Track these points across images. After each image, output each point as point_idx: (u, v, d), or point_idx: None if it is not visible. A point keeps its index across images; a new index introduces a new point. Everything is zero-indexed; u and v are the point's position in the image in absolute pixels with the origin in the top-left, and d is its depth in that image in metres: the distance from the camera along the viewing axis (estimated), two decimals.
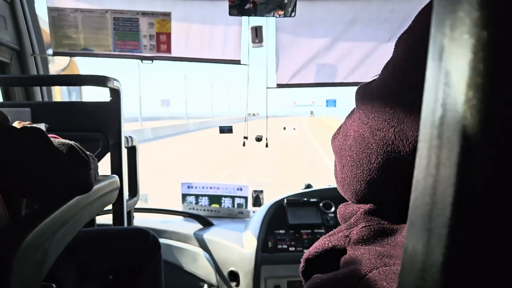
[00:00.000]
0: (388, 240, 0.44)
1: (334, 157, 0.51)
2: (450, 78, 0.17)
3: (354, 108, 0.48)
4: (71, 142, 0.83)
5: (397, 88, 0.39)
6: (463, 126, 0.17)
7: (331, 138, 0.53)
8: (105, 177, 1.04)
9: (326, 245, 0.49)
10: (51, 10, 1.81)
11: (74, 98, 2.59)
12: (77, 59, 2.26)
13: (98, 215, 1.71)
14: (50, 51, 1.87)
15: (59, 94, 2.24)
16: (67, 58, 2.20)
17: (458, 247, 0.18)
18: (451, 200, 0.17)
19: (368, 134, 0.42)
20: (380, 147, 0.41)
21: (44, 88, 1.83)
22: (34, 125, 0.86)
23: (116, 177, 1.08)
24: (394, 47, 0.41)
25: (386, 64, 0.42)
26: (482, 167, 0.16)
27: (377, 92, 0.42)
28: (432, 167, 0.20)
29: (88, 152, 0.86)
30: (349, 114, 0.50)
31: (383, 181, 0.43)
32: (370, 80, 0.46)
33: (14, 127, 0.77)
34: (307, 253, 0.51)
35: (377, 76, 0.44)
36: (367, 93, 0.44)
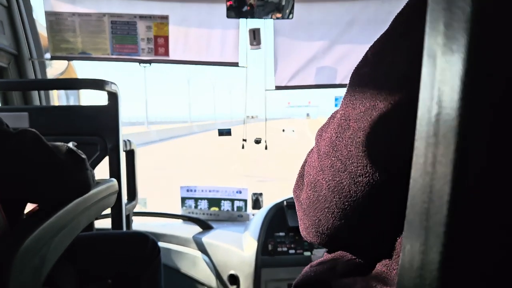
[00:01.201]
0: (373, 273, 0.43)
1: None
2: (445, 75, 0.17)
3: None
4: (66, 144, 0.83)
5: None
6: (459, 123, 0.16)
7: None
8: (103, 181, 1.04)
9: (311, 276, 0.48)
10: (48, 14, 1.81)
11: (72, 102, 2.59)
12: (77, 63, 2.26)
13: (96, 219, 1.71)
14: (48, 55, 1.87)
15: (57, 98, 2.24)
16: (65, 62, 2.20)
17: (456, 245, 0.18)
18: (448, 197, 0.17)
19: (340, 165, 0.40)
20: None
21: (42, 92, 1.83)
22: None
23: (115, 181, 1.08)
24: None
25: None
26: (478, 164, 0.16)
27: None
28: (428, 165, 0.19)
29: (83, 155, 0.86)
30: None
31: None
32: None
33: (10, 131, 0.76)
34: (296, 280, 0.51)
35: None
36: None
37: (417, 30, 0.33)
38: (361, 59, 0.40)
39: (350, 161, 0.37)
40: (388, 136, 0.35)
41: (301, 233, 0.50)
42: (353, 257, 0.45)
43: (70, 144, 0.88)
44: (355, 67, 0.40)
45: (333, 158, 0.39)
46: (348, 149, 0.37)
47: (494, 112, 0.16)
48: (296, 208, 0.50)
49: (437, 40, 0.18)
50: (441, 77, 0.17)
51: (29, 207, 0.88)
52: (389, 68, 0.35)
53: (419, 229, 0.21)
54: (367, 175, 0.36)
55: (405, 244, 0.23)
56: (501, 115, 0.16)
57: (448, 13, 0.17)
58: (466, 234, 0.18)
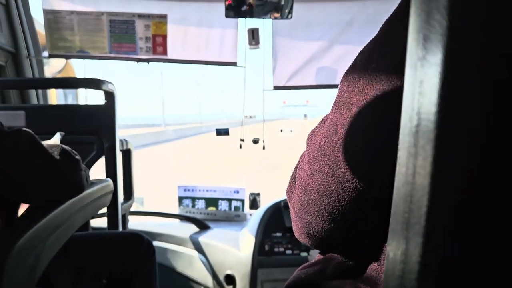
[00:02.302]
0: (362, 276, 0.43)
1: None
2: (424, 87, 0.17)
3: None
4: (60, 144, 0.83)
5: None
6: (436, 135, 0.17)
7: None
8: (99, 180, 1.04)
9: (301, 278, 0.49)
10: (46, 13, 1.81)
11: (70, 101, 2.59)
12: (77, 62, 2.26)
13: (92, 218, 1.71)
14: (45, 54, 1.87)
15: (55, 96, 2.24)
16: (63, 60, 2.19)
17: (433, 255, 0.18)
18: (426, 209, 0.17)
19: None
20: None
21: (40, 90, 1.82)
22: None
23: (110, 181, 1.08)
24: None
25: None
26: (454, 177, 0.17)
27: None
28: (409, 175, 0.20)
29: (77, 156, 0.86)
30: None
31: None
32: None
33: (5, 131, 0.76)
34: (287, 281, 0.51)
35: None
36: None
37: (402, 37, 0.33)
38: (350, 64, 0.40)
39: (338, 167, 0.37)
40: (373, 144, 0.35)
41: (294, 234, 0.50)
42: (344, 260, 0.45)
43: (58, 135, 0.88)
44: (345, 72, 0.40)
45: (321, 163, 0.39)
46: (336, 154, 0.37)
47: (470, 125, 0.16)
48: (290, 209, 0.50)
49: (417, 52, 0.18)
50: (420, 89, 0.18)
51: (24, 207, 0.88)
52: (376, 75, 0.35)
53: (400, 238, 0.21)
54: (354, 180, 0.37)
55: (389, 252, 0.23)
56: (477, 129, 0.16)
57: (427, 26, 0.17)
58: (444, 245, 0.18)
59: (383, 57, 0.35)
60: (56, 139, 1.02)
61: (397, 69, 0.33)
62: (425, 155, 0.17)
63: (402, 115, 0.21)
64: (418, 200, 0.18)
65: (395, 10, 0.36)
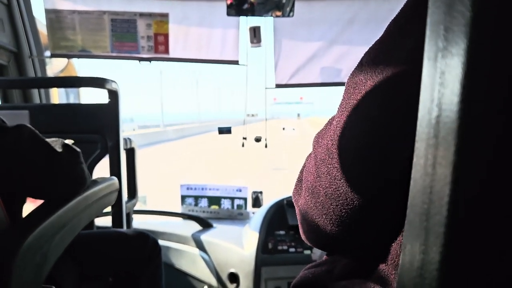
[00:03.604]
0: (370, 276, 0.43)
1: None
2: (445, 78, 0.17)
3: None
4: (61, 139, 0.83)
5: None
6: (458, 125, 0.17)
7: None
8: (104, 179, 1.04)
9: (309, 278, 0.49)
10: (48, 12, 1.81)
11: (72, 100, 2.59)
12: (80, 61, 2.26)
13: (97, 217, 1.71)
14: (47, 53, 1.87)
15: (57, 96, 2.24)
16: (65, 60, 2.19)
17: (455, 245, 0.18)
18: (448, 199, 0.17)
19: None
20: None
21: (42, 90, 1.82)
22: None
23: (115, 179, 1.08)
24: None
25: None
26: (477, 166, 0.17)
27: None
28: (428, 166, 0.20)
29: (78, 149, 0.87)
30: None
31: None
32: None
33: (7, 126, 0.77)
34: (294, 281, 0.51)
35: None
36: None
37: (410, 38, 0.33)
38: (356, 65, 0.40)
39: (346, 169, 0.37)
40: (381, 145, 0.35)
41: (301, 236, 0.50)
42: (351, 260, 0.45)
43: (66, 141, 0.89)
44: (350, 74, 0.40)
45: (329, 166, 0.39)
46: (343, 156, 0.37)
47: (494, 114, 0.16)
48: (296, 211, 0.50)
49: (437, 43, 0.18)
50: (441, 80, 0.18)
51: (29, 206, 0.88)
52: (383, 76, 0.35)
53: (419, 229, 0.21)
54: (362, 182, 0.37)
55: (405, 244, 0.23)
56: (500, 118, 0.16)
57: (448, 17, 0.17)
58: (466, 235, 0.18)
59: (389, 58, 0.35)
60: None
61: (405, 70, 0.33)
62: (447, 145, 0.17)
63: (420, 107, 0.21)
64: (439, 191, 0.18)
65: (401, 10, 0.36)
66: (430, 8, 0.20)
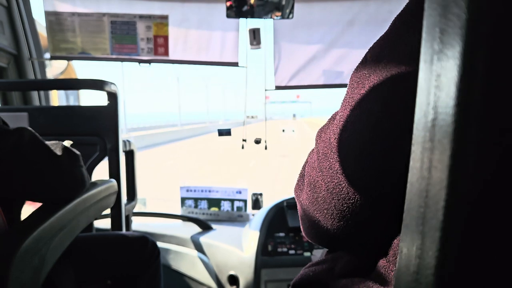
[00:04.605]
0: (370, 274, 0.42)
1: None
2: (441, 81, 0.17)
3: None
4: (60, 142, 0.83)
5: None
6: (454, 129, 0.16)
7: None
8: (103, 181, 1.04)
9: (309, 276, 0.48)
10: (48, 14, 1.81)
11: (72, 102, 2.59)
12: (86, 63, 2.26)
13: (96, 219, 1.71)
14: (47, 55, 1.87)
15: (57, 98, 2.24)
16: (64, 62, 2.20)
17: (451, 250, 0.18)
18: (443, 203, 0.17)
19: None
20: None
21: (42, 92, 1.83)
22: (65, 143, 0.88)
23: (114, 181, 1.08)
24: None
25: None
26: (473, 170, 0.16)
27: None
28: (424, 170, 0.19)
29: (77, 152, 0.87)
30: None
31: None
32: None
33: (8, 129, 0.77)
34: (294, 279, 0.51)
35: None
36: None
37: (415, 33, 0.33)
38: (360, 60, 0.40)
39: (348, 164, 0.37)
40: (383, 140, 0.35)
41: (302, 232, 0.50)
42: (352, 258, 0.45)
43: (65, 143, 0.89)
44: (354, 69, 0.40)
45: (331, 160, 0.39)
46: (346, 151, 0.37)
47: (489, 118, 0.16)
48: (297, 208, 0.50)
49: (433, 46, 0.18)
50: (437, 83, 0.17)
51: (28, 208, 0.88)
52: (387, 71, 0.35)
53: (415, 233, 0.21)
54: (364, 177, 0.36)
55: (402, 248, 0.23)
56: (496, 121, 0.16)
57: (444, 19, 0.17)
58: (462, 240, 0.18)
59: (394, 53, 0.35)
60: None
61: (409, 65, 0.33)
62: (442, 149, 0.17)
63: (416, 110, 0.21)
64: (435, 195, 0.18)
65: (406, 5, 0.35)
66: (426, 10, 0.19)
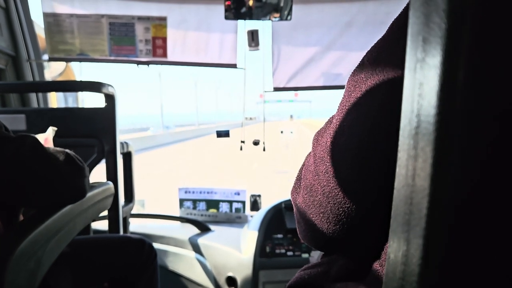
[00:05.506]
0: (365, 278, 0.42)
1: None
2: (423, 89, 0.17)
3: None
4: (66, 150, 0.82)
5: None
6: (435, 137, 0.16)
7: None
8: (100, 183, 1.04)
9: (305, 279, 0.48)
10: (46, 16, 1.81)
11: (70, 104, 2.59)
12: (88, 66, 2.26)
13: (93, 221, 1.71)
14: (45, 57, 1.87)
15: (55, 99, 2.24)
16: (63, 63, 2.20)
17: (434, 257, 0.18)
18: (426, 211, 0.17)
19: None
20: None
21: (40, 94, 1.82)
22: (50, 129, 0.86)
23: (111, 184, 1.08)
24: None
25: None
26: (454, 178, 0.16)
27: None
28: (409, 177, 0.20)
29: (82, 162, 0.86)
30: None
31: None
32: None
33: (10, 136, 0.76)
34: (290, 281, 0.51)
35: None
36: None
37: None
38: (357, 64, 0.40)
39: (344, 168, 0.37)
40: (379, 144, 0.35)
41: (298, 235, 0.50)
42: (348, 261, 0.45)
43: (50, 130, 0.88)
44: (352, 72, 0.40)
45: (327, 164, 0.39)
46: (342, 155, 0.37)
47: (470, 127, 0.16)
48: (294, 211, 0.50)
49: (416, 54, 0.18)
50: (420, 91, 0.18)
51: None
52: (384, 75, 0.34)
53: (401, 240, 0.21)
54: (360, 182, 0.36)
55: (389, 253, 0.23)
56: (476, 130, 0.16)
57: (426, 28, 0.17)
58: (444, 247, 0.18)
59: (391, 58, 0.35)
60: (48, 134, 1.02)
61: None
62: (425, 157, 0.17)
63: (401, 117, 0.21)
64: (418, 202, 0.18)
65: (404, 9, 0.35)
66: (410, 18, 0.20)
